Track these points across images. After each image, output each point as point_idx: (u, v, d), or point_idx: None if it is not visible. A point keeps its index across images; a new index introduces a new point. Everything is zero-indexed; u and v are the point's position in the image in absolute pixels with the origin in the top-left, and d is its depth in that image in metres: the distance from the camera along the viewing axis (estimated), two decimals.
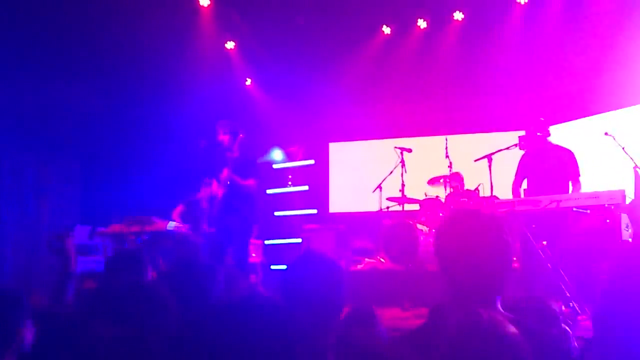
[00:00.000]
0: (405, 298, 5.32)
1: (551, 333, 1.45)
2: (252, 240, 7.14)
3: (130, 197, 8.01)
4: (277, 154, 9.47)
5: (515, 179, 5.35)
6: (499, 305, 1.55)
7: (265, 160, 9.23)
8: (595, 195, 4.36)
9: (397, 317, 4.78)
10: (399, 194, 6.83)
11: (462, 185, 6.79)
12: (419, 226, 6.35)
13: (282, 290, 1.85)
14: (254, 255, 7.70)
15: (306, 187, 9.29)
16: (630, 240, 4.31)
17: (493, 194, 5.81)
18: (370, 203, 7.45)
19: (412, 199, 6.86)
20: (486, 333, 1.34)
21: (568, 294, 4.18)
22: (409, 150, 6.97)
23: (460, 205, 6.37)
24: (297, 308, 1.78)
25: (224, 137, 5.54)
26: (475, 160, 5.99)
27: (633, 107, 7.22)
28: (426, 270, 5.75)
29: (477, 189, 6.44)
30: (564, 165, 5.11)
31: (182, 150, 8.05)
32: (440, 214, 6.50)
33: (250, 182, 5.51)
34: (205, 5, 7.78)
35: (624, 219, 4.36)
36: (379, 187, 7.05)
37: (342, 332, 2.04)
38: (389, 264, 6.26)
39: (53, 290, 2.53)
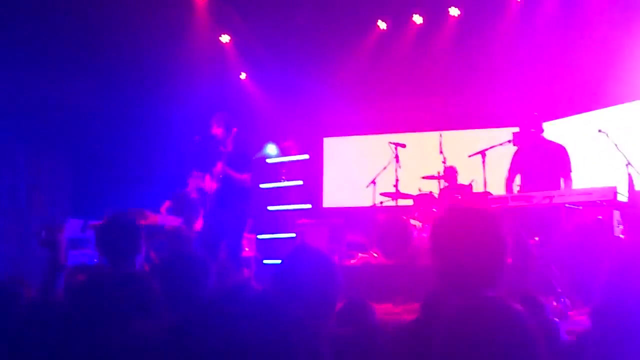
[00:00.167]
0: (398, 293, 5.33)
1: (537, 320, 1.45)
2: (246, 235, 7.14)
3: (123, 190, 7.98)
4: (271, 149, 9.46)
5: (508, 174, 5.36)
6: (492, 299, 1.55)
7: (260, 155, 9.22)
8: (587, 192, 4.37)
9: (390, 312, 4.79)
10: (392, 189, 6.84)
11: (456, 179, 6.80)
12: (413, 221, 6.37)
13: (275, 284, 1.85)
14: (247, 249, 7.70)
15: (300, 182, 9.28)
16: (621, 236, 4.33)
17: (486, 190, 5.83)
18: (364, 198, 7.45)
19: (405, 194, 6.87)
20: (494, 312, 1.34)
21: (560, 290, 4.20)
22: (403, 146, 6.97)
23: (453, 201, 6.38)
24: (291, 302, 1.77)
25: (217, 130, 5.52)
26: (469, 156, 6.00)
27: (627, 104, 7.25)
28: (419, 265, 5.76)
29: (470, 184, 6.45)
30: (557, 161, 5.13)
31: (176, 143, 8.03)
32: (434, 210, 6.51)
33: (244, 177, 5.50)
34: None
35: (616, 215, 4.38)
36: (373, 182, 7.05)
37: (337, 326, 2.04)
38: (382, 259, 6.27)
39: (42, 282, 2.52)
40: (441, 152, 6.79)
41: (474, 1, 7.75)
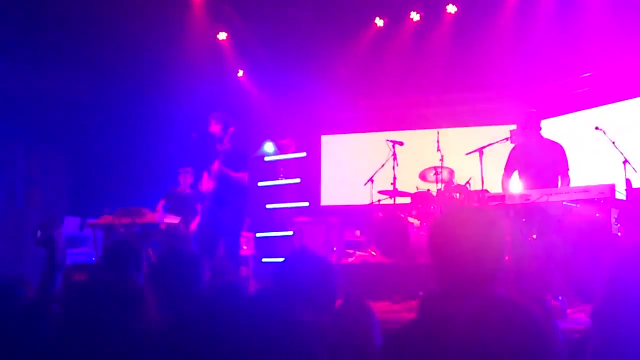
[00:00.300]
0: (396, 291, 5.33)
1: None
2: (244, 233, 7.13)
3: (121, 188, 7.97)
4: (268, 147, 9.45)
5: (505, 172, 5.37)
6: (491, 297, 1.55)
7: (257, 153, 9.22)
8: (585, 189, 4.38)
9: (387, 310, 4.79)
10: (390, 187, 6.84)
11: (452, 180, 6.80)
12: (410, 219, 6.36)
13: (273, 286, 1.85)
14: (245, 247, 7.69)
15: (298, 180, 9.28)
16: (619, 234, 4.34)
17: (484, 188, 5.83)
18: (361, 196, 7.45)
19: (403, 192, 6.86)
20: (508, 312, 1.34)
21: (557, 288, 4.21)
22: (401, 144, 6.97)
23: (451, 199, 6.38)
24: (288, 303, 1.78)
25: (215, 128, 5.51)
26: (467, 154, 6.00)
27: (624, 102, 7.26)
28: (417, 263, 5.77)
29: (467, 182, 6.45)
30: (554, 159, 5.13)
31: (173, 141, 8.02)
32: (432, 208, 6.51)
33: (242, 175, 5.49)
34: None
35: (613, 213, 4.39)
36: (371, 180, 7.05)
37: (335, 324, 2.04)
38: (380, 257, 6.27)
39: (40, 281, 2.52)
40: (438, 150, 6.79)
41: None
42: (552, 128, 6.88)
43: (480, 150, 5.77)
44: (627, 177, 5.21)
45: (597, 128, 5.52)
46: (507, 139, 5.66)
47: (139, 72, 8.09)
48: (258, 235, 8.50)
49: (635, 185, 5.19)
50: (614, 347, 1.19)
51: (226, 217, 5.40)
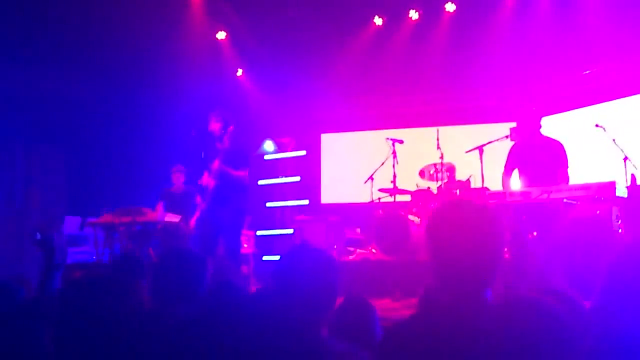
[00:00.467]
0: (397, 289, 5.33)
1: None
2: (244, 231, 7.13)
3: (121, 187, 7.97)
4: (268, 145, 9.45)
5: (505, 170, 5.36)
6: (488, 296, 1.55)
7: (257, 152, 9.21)
8: (586, 187, 4.38)
9: (388, 308, 4.80)
10: (390, 185, 6.84)
11: (454, 175, 6.80)
12: (411, 217, 6.36)
13: (274, 282, 1.85)
14: (245, 246, 7.70)
15: (298, 178, 9.28)
16: (620, 231, 4.34)
17: (484, 185, 5.83)
18: (361, 194, 7.45)
19: (403, 190, 6.86)
20: (532, 310, 1.35)
21: (557, 285, 4.21)
22: (401, 142, 6.97)
23: (451, 197, 6.38)
24: (290, 299, 1.78)
25: (215, 127, 5.51)
26: (467, 152, 6.00)
27: (624, 99, 7.26)
28: (417, 261, 5.77)
29: (468, 180, 6.45)
30: (553, 157, 5.12)
31: (173, 140, 8.01)
32: (432, 205, 6.51)
33: (242, 173, 5.49)
34: None
35: (614, 210, 4.39)
36: (371, 178, 7.05)
37: (336, 322, 2.04)
38: (381, 254, 6.27)
39: (39, 280, 2.52)
40: (438, 148, 6.79)
41: None
42: (552, 125, 6.88)
43: (481, 148, 5.77)
44: (631, 173, 5.21)
45: (597, 125, 5.52)
46: (507, 136, 5.66)
47: (139, 72, 8.08)
48: (258, 233, 8.51)
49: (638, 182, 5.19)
50: (613, 343, 1.19)
51: (226, 215, 5.40)
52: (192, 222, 6.75)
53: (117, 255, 5.61)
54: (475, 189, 6.16)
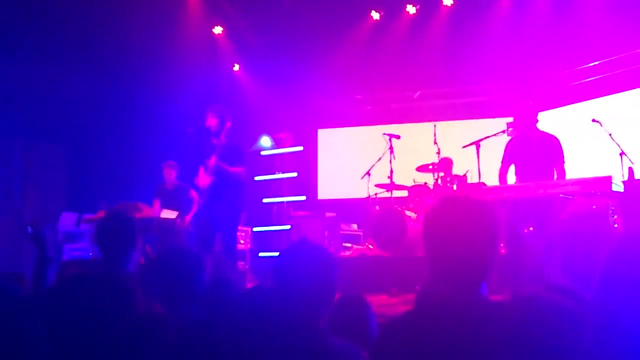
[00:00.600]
0: (393, 284, 5.34)
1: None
2: (241, 228, 7.12)
3: (118, 184, 7.96)
4: (265, 141, 9.43)
5: (502, 165, 5.36)
6: (484, 290, 1.55)
7: (254, 147, 9.19)
8: (582, 182, 4.38)
9: (385, 304, 4.80)
10: (387, 181, 6.84)
11: (451, 170, 6.80)
12: (408, 213, 6.37)
13: (274, 279, 1.85)
14: (242, 242, 7.69)
15: (295, 174, 9.27)
16: (616, 226, 4.35)
17: (481, 180, 5.83)
18: (358, 189, 7.45)
19: (400, 185, 6.86)
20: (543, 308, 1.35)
21: (553, 280, 4.21)
22: (398, 137, 6.97)
23: (448, 192, 6.38)
24: (289, 295, 1.77)
25: (211, 122, 5.49)
26: (464, 147, 6.00)
27: (620, 94, 7.27)
28: (414, 256, 5.78)
29: (465, 175, 6.45)
30: (550, 151, 5.12)
31: (170, 136, 7.99)
32: (429, 201, 6.52)
33: (238, 169, 5.48)
34: None
35: (610, 205, 4.39)
36: (368, 173, 7.05)
37: (332, 318, 2.04)
38: (377, 250, 6.28)
39: (33, 276, 2.51)
40: (435, 143, 6.79)
41: None
42: (548, 120, 6.88)
43: (477, 143, 5.76)
44: (629, 166, 5.21)
45: (594, 120, 5.52)
46: (504, 131, 5.66)
47: (136, 68, 8.05)
48: (255, 229, 8.50)
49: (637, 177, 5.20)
50: (610, 335, 1.19)
51: (223, 211, 5.38)
52: (188, 218, 6.74)
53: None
54: (472, 184, 6.16)
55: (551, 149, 5.14)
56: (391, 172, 6.80)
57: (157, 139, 8.29)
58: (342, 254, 6.86)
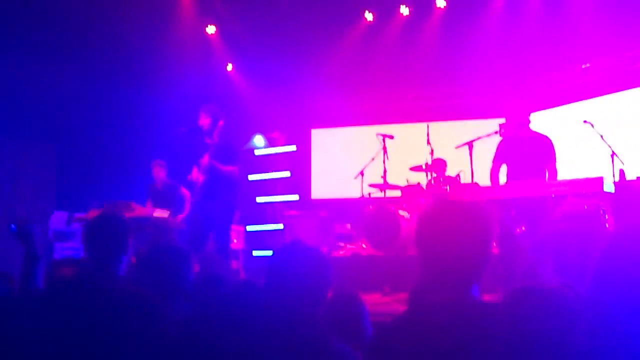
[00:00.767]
0: (386, 283, 5.35)
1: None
2: (234, 227, 7.10)
3: (110, 182, 7.92)
4: (258, 140, 9.41)
5: (493, 165, 5.38)
6: (475, 291, 1.56)
7: (247, 146, 9.17)
8: (574, 182, 4.40)
9: (378, 302, 4.81)
10: (380, 181, 6.85)
11: (445, 171, 6.82)
12: (401, 212, 6.38)
13: (267, 280, 1.85)
14: (235, 241, 7.67)
15: (288, 173, 9.25)
16: (607, 226, 4.37)
17: (474, 181, 5.85)
18: (352, 189, 7.46)
19: (393, 185, 6.87)
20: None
21: (546, 280, 4.23)
22: (391, 137, 6.97)
23: (441, 192, 6.40)
24: (282, 295, 1.77)
25: (204, 121, 5.48)
26: (457, 147, 6.01)
27: (612, 95, 7.31)
28: (407, 255, 5.79)
29: (458, 175, 6.47)
30: (541, 152, 5.14)
31: (162, 135, 7.96)
32: (422, 201, 6.53)
33: (231, 169, 5.47)
34: None
35: (601, 205, 4.42)
36: (361, 173, 7.06)
37: (326, 317, 2.04)
38: (371, 249, 6.28)
39: (21, 275, 2.49)
40: (429, 143, 6.80)
41: None
42: (541, 121, 6.91)
43: (470, 144, 5.78)
44: (620, 168, 5.25)
45: (585, 121, 5.55)
46: (496, 132, 5.68)
47: (128, 67, 8.02)
48: (248, 228, 8.48)
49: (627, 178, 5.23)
50: (603, 332, 1.20)
51: (216, 210, 5.38)
52: (182, 217, 6.72)
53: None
54: (464, 184, 6.18)
55: (543, 149, 5.16)
56: (384, 172, 6.81)
57: (150, 138, 8.26)
58: (336, 253, 6.86)
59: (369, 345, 1.66)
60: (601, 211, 4.40)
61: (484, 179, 5.77)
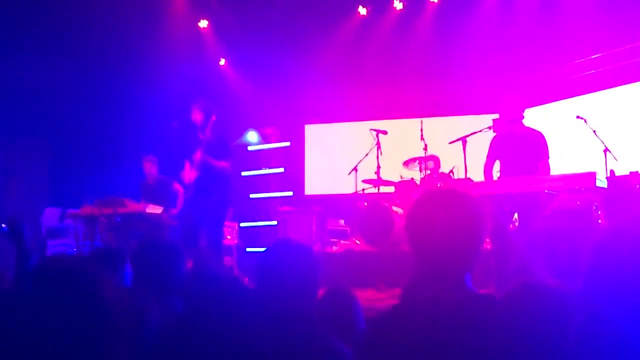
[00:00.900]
0: (381, 279, 5.35)
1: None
2: (227, 223, 7.09)
3: (102, 178, 7.88)
4: (252, 136, 9.39)
5: (487, 161, 5.38)
6: (469, 283, 1.55)
7: (240, 142, 9.15)
8: (566, 178, 4.41)
9: (372, 299, 4.81)
10: (374, 176, 6.85)
11: (438, 167, 6.83)
12: (394, 208, 6.38)
13: (257, 276, 1.84)
14: (229, 237, 7.66)
15: (281, 169, 9.25)
16: (599, 221, 4.39)
17: (467, 176, 5.86)
18: (346, 185, 7.45)
19: (387, 181, 6.87)
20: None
21: (538, 275, 4.25)
22: (385, 133, 6.97)
23: (434, 187, 6.41)
24: (271, 293, 1.77)
25: (197, 117, 5.45)
26: (450, 143, 6.01)
27: (605, 91, 7.33)
28: (401, 251, 5.79)
29: (451, 171, 6.48)
30: (534, 148, 5.15)
31: (154, 131, 7.93)
32: (415, 196, 6.54)
33: (224, 164, 5.45)
34: None
35: (594, 201, 4.43)
36: (355, 169, 7.05)
37: (319, 314, 2.03)
38: (365, 245, 6.29)
39: (15, 273, 2.48)
40: (422, 139, 6.80)
41: None
42: (534, 117, 6.92)
43: (464, 139, 5.78)
44: (610, 167, 5.27)
45: (578, 117, 5.56)
46: (490, 127, 5.68)
47: (119, 61, 7.97)
48: (242, 225, 8.47)
49: (616, 173, 5.25)
50: (597, 327, 1.20)
51: (209, 207, 5.36)
52: (174, 212, 6.69)
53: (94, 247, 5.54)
54: (458, 179, 6.19)
55: (536, 145, 5.16)
56: (378, 167, 6.81)
57: (143, 133, 8.23)
58: (329, 249, 6.86)
59: (362, 338, 1.66)
60: (594, 206, 4.41)
61: (477, 175, 5.77)
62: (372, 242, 6.18)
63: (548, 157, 5.13)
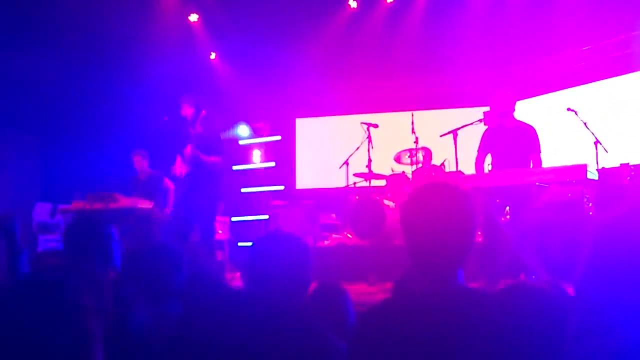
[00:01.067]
0: (372, 273, 5.36)
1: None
2: (219, 217, 7.06)
3: (93, 173, 7.83)
4: (243, 130, 9.36)
5: (478, 154, 5.40)
6: (460, 278, 1.55)
7: (230, 136, 9.11)
8: (558, 170, 4.43)
9: (364, 292, 4.82)
10: (365, 170, 6.84)
11: (430, 159, 6.83)
12: (386, 202, 6.38)
13: (247, 269, 1.83)
14: (220, 232, 7.64)
15: (273, 164, 9.22)
16: (590, 213, 4.42)
17: (458, 169, 5.86)
18: (337, 179, 7.45)
19: (378, 174, 6.87)
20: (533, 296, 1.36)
21: (530, 267, 4.27)
22: (375, 126, 6.96)
23: (426, 181, 6.41)
24: (263, 287, 1.75)
25: (187, 111, 5.42)
26: (441, 136, 6.02)
27: (595, 83, 7.36)
28: (392, 245, 5.80)
29: (442, 164, 6.49)
30: (526, 141, 5.16)
31: (145, 125, 7.88)
32: (407, 190, 6.54)
33: (215, 159, 5.42)
34: None
35: (585, 193, 4.46)
36: (346, 163, 7.05)
37: (310, 307, 2.03)
38: (356, 239, 6.29)
39: (6, 269, 2.45)
40: (413, 132, 6.80)
41: None
42: (525, 109, 6.94)
43: (455, 132, 5.79)
44: (601, 159, 5.29)
45: (569, 109, 5.58)
46: (480, 120, 5.69)
47: (110, 56, 7.90)
48: (233, 219, 8.45)
49: (606, 165, 5.28)
50: (597, 322, 1.20)
51: (200, 201, 5.34)
52: (167, 208, 6.66)
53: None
54: (449, 172, 6.20)
55: (527, 138, 5.17)
56: (369, 161, 6.81)
57: (133, 127, 8.17)
58: (321, 243, 6.86)
59: (353, 331, 1.65)
60: (585, 199, 4.44)
61: (468, 168, 5.78)
62: (363, 236, 6.18)
63: (540, 151, 5.15)
